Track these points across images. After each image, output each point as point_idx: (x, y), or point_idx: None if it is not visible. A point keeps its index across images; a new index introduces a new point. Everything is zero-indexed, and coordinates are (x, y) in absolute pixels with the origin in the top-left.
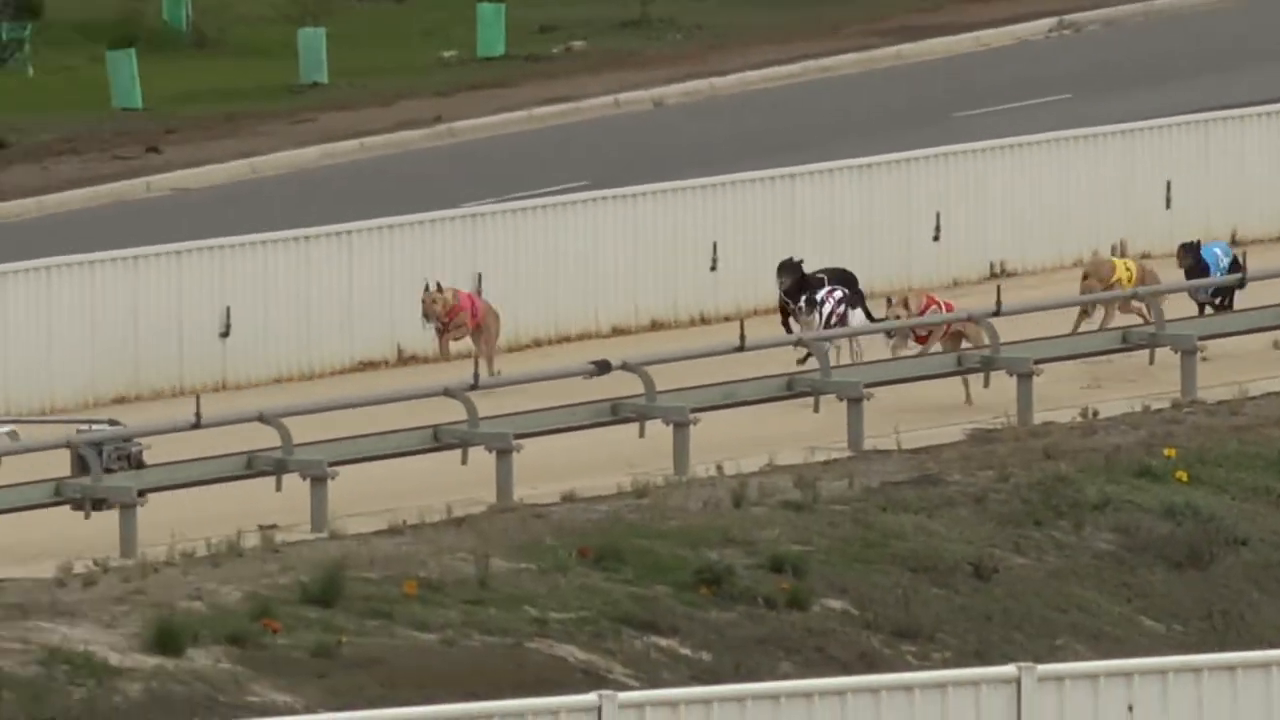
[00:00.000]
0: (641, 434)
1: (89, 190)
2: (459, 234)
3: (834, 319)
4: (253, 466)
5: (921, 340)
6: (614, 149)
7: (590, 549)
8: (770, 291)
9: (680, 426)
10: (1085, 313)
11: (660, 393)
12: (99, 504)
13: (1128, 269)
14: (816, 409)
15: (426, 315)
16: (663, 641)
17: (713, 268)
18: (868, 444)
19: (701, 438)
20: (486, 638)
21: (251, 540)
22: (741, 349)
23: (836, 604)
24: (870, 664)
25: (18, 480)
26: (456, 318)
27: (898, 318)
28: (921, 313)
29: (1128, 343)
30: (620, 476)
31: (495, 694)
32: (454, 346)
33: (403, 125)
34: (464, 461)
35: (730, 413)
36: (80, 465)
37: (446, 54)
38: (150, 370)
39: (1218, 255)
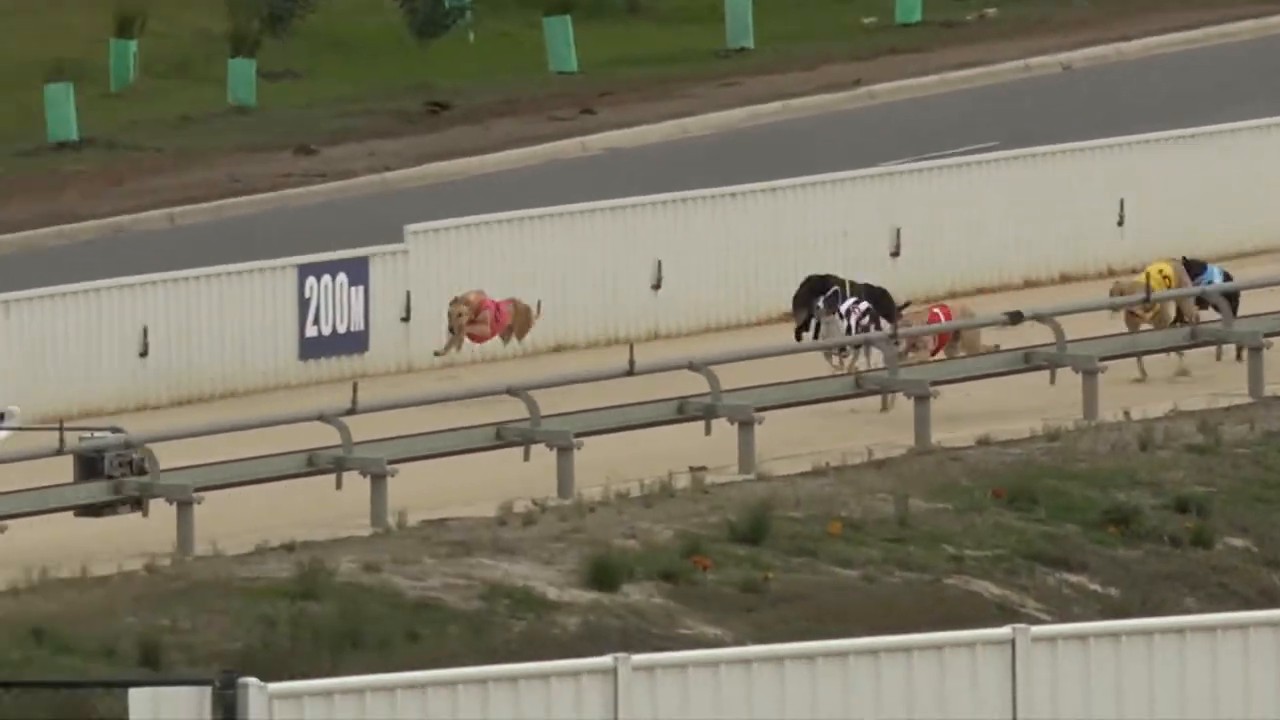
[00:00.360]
0: (1052, 380)
1: (526, 150)
2: (877, 192)
3: (856, 331)
4: (683, 411)
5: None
6: (1023, 110)
7: (1004, 490)
8: (1171, 248)
9: (1089, 374)
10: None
11: (1069, 342)
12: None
13: (1163, 274)
14: (1218, 357)
15: (452, 328)
16: (1073, 578)
17: (1119, 223)
18: (1268, 391)
19: (1106, 385)
20: (906, 574)
21: (682, 481)
22: (1147, 300)
23: (1239, 542)
24: (1271, 599)
25: (459, 424)
26: (479, 316)
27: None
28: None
29: None
30: (1033, 421)
31: (913, 627)
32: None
33: (824, 88)
34: (884, 408)
35: (1128, 362)
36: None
37: (867, 20)
38: (585, 320)
39: (1215, 277)
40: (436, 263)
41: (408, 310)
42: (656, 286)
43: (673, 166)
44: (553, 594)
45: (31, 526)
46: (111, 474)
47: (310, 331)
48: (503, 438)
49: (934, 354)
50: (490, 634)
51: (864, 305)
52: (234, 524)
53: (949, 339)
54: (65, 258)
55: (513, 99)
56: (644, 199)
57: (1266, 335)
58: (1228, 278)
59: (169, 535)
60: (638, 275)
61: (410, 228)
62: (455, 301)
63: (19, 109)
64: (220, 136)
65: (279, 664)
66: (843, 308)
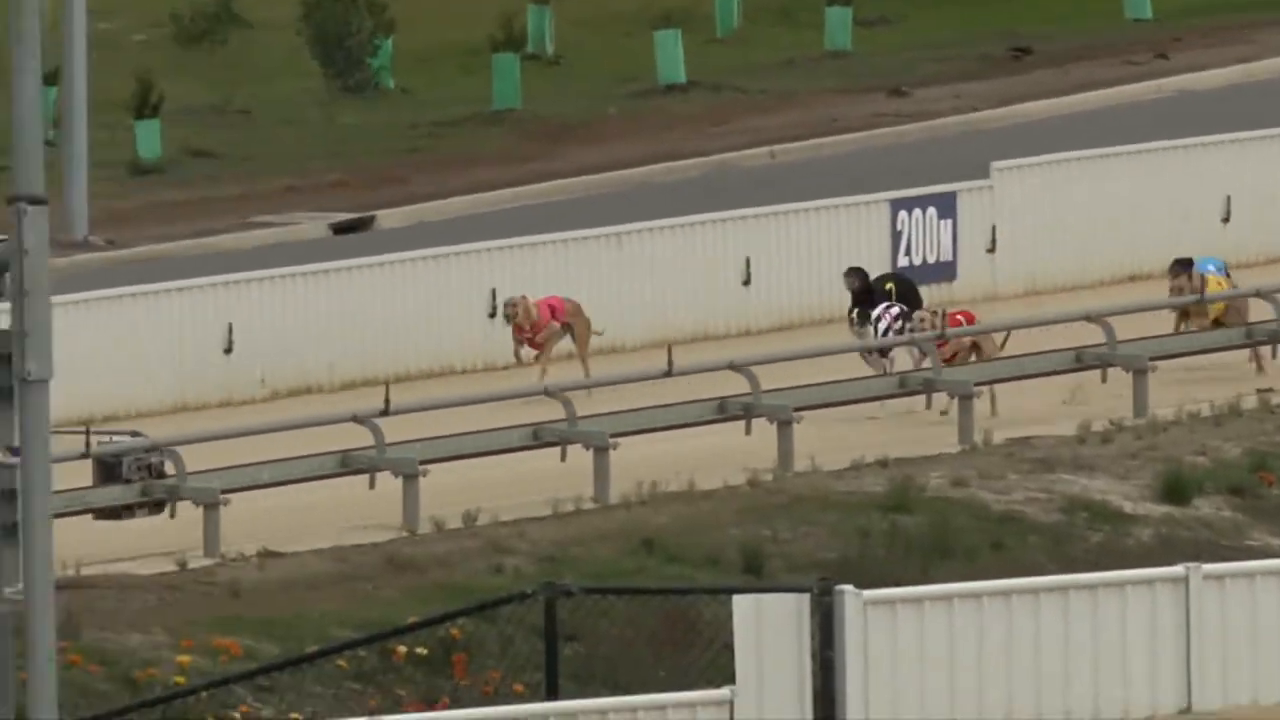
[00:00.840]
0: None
1: (1103, 92)
2: None
3: (890, 334)
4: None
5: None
6: None
7: None
8: None
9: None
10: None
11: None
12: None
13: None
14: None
15: (509, 320)
16: None
17: None
18: None
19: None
20: None
21: (1249, 403)
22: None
23: None
24: None
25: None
26: (543, 330)
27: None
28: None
29: None
30: None
31: None
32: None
33: None
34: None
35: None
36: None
37: None
38: (1155, 247)
39: (1211, 271)
40: (1020, 197)
41: (993, 242)
42: (1225, 220)
43: (1239, 107)
44: (1128, 507)
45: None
46: (130, 478)
47: (902, 262)
48: (1081, 359)
49: (948, 361)
50: (1069, 544)
51: (895, 309)
52: (830, 444)
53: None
54: (672, 192)
55: (1090, 44)
56: (1212, 138)
57: None
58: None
59: (770, 453)
60: (1206, 209)
61: (996, 164)
62: (511, 303)
63: (631, 54)
64: (817, 79)
65: (872, 572)
66: (875, 313)
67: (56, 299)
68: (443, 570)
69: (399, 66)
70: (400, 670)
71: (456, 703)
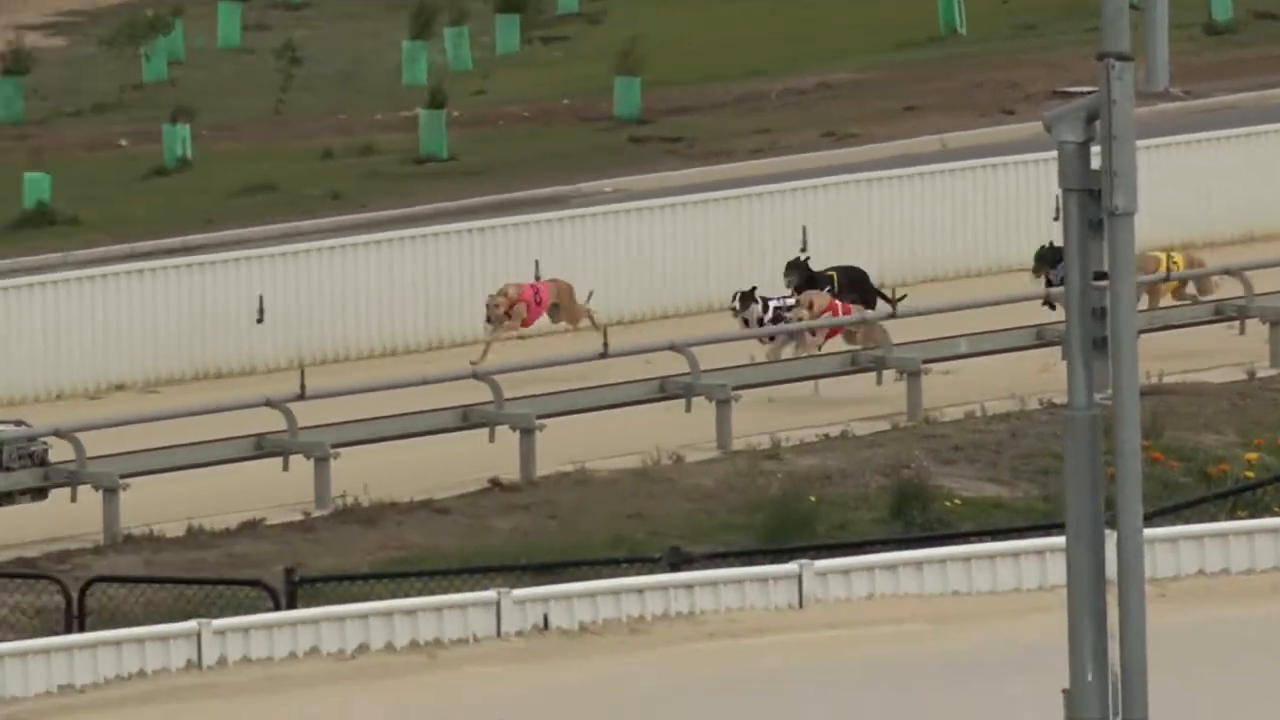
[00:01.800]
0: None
1: None
2: None
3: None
4: None
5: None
6: None
7: None
8: None
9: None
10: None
11: None
12: None
13: (1174, 260)
14: None
15: (489, 318)
16: None
17: None
18: None
19: None
20: None
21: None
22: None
23: None
24: None
25: None
26: (514, 310)
27: (800, 319)
28: (823, 314)
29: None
30: None
31: None
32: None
33: None
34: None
35: None
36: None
37: None
38: None
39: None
40: None
41: None
42: None
43: None
44: None
45: None
46: (10, 466)
47: None
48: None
49: (820, 348)
50: None
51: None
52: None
53: (840, 331)
54: None
55: None
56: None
57: None
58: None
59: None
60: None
61: None
62: (493, 295)
63: None
64: None
65: None
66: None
67: (1140, 143)
68: None
69: None
70: None
71: None
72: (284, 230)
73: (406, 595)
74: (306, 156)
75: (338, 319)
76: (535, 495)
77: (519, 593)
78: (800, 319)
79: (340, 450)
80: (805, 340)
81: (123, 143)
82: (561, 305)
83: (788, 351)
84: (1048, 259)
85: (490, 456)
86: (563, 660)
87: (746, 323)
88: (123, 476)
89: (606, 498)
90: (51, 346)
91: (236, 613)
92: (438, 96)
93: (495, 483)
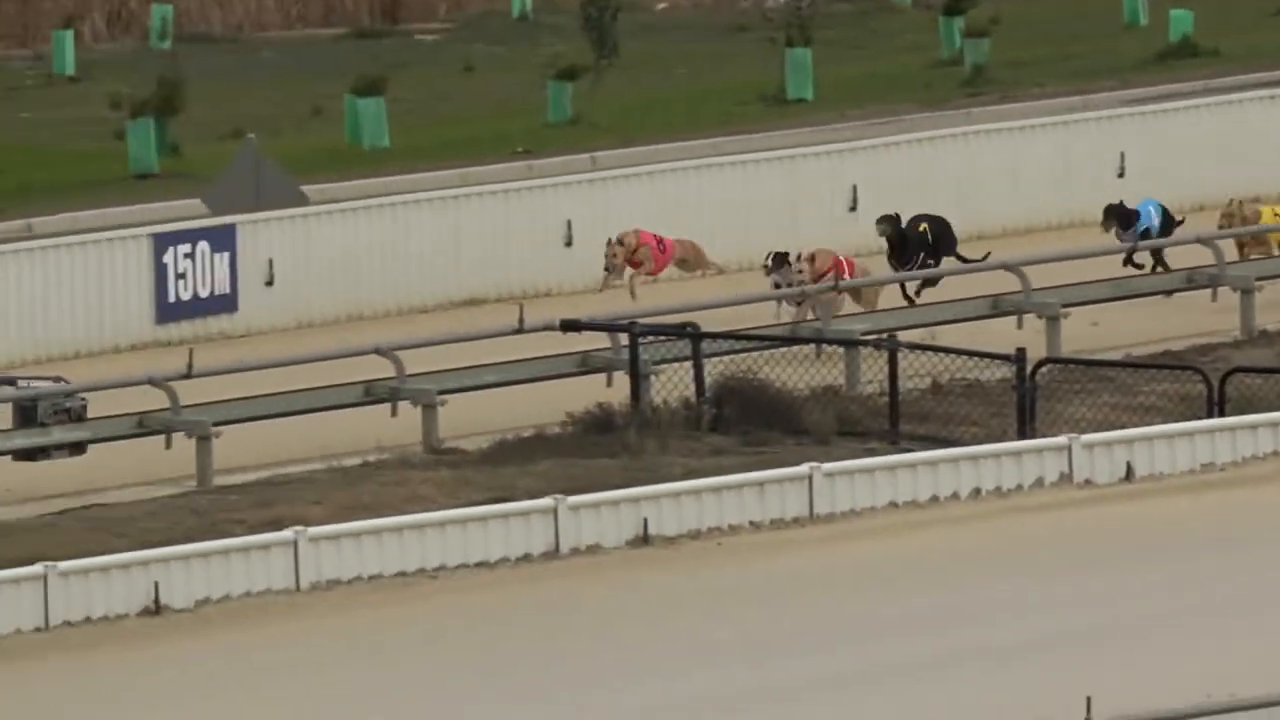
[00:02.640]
0: None
1: None
2: None
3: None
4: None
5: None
6: None
7: None
8: None
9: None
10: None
11: None
12: None
13: (1275, 213)
14: None
15: (609, 268)
16: None
17: None
18: None
19: None
20: None
21: None
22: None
23: None
24: None
25: None
26: (639, 254)
27: (801, 273)
28: (825, 272)
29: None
30: None
31: None
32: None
33: None
34: None
35: None
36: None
37: None
38: None
39: (1150, 212)
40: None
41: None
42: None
43: None
44: None
45: None
46: (44, 422)
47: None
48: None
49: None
50: None
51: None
52: None
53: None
54: None
55: None
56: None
57: None
58: (1167, 214)
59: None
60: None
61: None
62: (611, 243)
63: None
64: None
65: None
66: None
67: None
68: None
69: None
70: None
71: None
72: None
73: None
74: None
75: None
76: None
77: None
78: (801, 273)
79: None
80: (810, 301)
81: None
82: (689, 260)
83: (785, 315)
84: (1114, 214)
85: None
86: None
87: (778, 285)
88: None
89: None
90: None
91: None
92: None
93: None
